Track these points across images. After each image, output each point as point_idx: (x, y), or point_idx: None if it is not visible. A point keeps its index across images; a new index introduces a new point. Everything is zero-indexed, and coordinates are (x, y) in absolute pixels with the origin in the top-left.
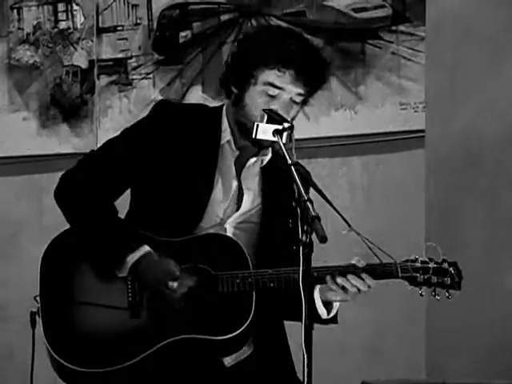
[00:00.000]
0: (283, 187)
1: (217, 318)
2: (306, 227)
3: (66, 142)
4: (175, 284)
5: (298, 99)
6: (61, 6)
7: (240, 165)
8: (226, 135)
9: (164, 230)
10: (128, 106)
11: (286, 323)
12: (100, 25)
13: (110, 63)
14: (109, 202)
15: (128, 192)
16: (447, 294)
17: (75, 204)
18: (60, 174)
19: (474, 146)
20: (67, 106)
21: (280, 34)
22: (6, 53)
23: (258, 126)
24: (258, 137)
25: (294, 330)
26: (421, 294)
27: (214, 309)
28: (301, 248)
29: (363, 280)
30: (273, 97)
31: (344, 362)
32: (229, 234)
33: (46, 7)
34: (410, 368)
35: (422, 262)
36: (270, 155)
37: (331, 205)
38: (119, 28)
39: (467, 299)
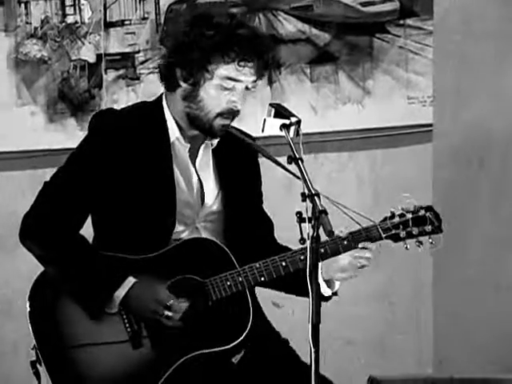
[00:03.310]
0: (237, 167)
1: (219, 327)
2: (313, 221)
3: (73, 136)
4: (170, 313)
5: (252, 85)
6: (68, 1)
7: (193, 156)
8: (174, 132)
9: (139, 247)
10: (136, 100)
11: (293, 316)
12: (107, 19)
13: (118, 57)
14: (77, 235)
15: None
16: (431, 241)
17: (44, 246)
18: None
19: (482, 139)
20: (75, 100)
21: (227, 25)
22: (13, 47)
23: (265, 120)
24: (266, 131)
25: (301, 324)
26: (406, 248)
27: (214, 318)
28: (308, 242)
29: (368, 249)
30: (228, 89)
31: (351, 357)
32: (202, 232)
33: (53, 1)
34: (417, 363)
35: (400, 215)
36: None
37: (289, 171)
38: (127, 22)
39: (473, 294)
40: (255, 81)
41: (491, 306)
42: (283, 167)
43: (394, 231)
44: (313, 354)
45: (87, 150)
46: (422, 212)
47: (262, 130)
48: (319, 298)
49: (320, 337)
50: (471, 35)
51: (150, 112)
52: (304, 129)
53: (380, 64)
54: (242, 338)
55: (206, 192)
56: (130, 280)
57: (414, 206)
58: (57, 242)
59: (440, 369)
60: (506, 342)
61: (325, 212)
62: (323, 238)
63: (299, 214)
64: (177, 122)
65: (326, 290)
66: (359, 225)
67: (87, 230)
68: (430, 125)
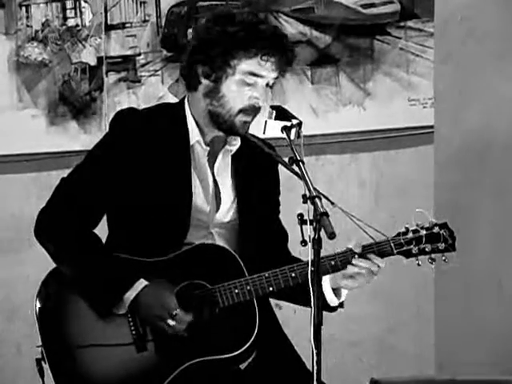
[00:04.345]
0: (255, 175)
1: (225, 335)
2: (314, 223)
3: (74, 139)
4: (173, 322)
5: (272, 82)
6: (69, 3)
7: (212, 160)
8: (195, 135)
9: (151, 248)
10: (137, 102)
11: (295, 317)
12: (108, 22)
13: (119, 60)
14: (91, 234)
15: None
16: (444, 258)
17: (58, 242)
18: (69, 171)
19: (483, 141)
20: (76, 103)
21: (249, 22)
22: (14, 50)
23: (266, 122)
24: (267, 133)
25: (303, 326)
26: (418, 264)
27: (220, 326)
28: (310, 245)
29: (371, 260)
30: (250, 84)
31: (353, 359)
32: (216, 238)
33: (54, 4)
34: (419, 364)
35: (413, 231)
36: (238, 143)
37: (304, 180)
38: (127, 25)
39: (476, 295)
40: (276, 77)
41: (494, 306)
42: (297, 175)
43: (406, 247)
44: (315, 355)
45: (106, 149)
46: (437, 229)
47: (264, 132)
48: (321, 299)
49: (322, 338)
50: (472, 37)
51: (171, 113)
52: (305, 131)
53: (381, 66)
54: (246, 346)
55: (222, 198)
56: (141, 282)
57: (428, 222)
58: (71, 240)
59: (442, 370)
60: (508, 344)
61: (326, 214)
62: (324, 240)
63: (300, 215)
64: (198, 125)
65: (332, 300)
66: (372, 238)
67: (101, 229)
68: (431, 126)
